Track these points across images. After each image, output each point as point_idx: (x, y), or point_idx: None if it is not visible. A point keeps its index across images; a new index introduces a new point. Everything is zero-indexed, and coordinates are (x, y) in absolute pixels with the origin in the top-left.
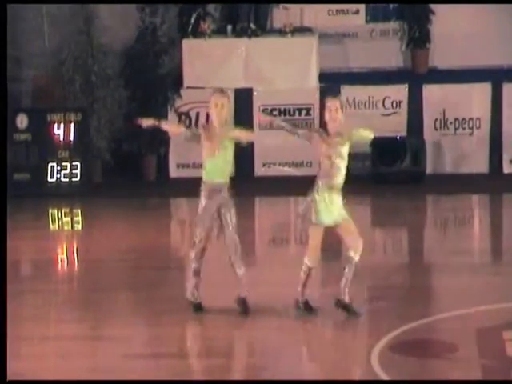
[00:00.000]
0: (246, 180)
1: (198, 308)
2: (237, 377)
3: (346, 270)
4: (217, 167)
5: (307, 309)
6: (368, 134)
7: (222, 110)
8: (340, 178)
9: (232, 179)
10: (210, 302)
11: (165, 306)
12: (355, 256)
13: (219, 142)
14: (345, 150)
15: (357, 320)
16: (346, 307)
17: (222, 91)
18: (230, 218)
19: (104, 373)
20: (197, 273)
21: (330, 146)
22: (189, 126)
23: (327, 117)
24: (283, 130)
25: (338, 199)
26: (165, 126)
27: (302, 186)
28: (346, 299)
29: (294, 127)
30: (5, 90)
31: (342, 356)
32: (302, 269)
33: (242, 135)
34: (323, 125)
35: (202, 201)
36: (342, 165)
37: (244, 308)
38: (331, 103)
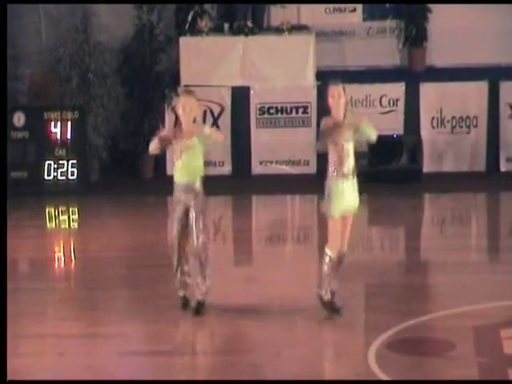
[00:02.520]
0: (242, 178)
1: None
2: (234, 375)
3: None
4: (185, 167)
5: (333, 308)
6: (372, 134)
7: (190, 112)
8: (351, 164)
9: (229, 177)
10: (208, 300)
11: (162, 304)
12: (344, 250)
13: (188, 142)
14: (350, 135)
15: (354, 318)
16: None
17: (189, 92)
18: (196, 222)
19: (101, 370)
20: (186, 273)
21: (337, 133)
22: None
23: (331, 103)
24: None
25: (352, 186)
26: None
27: (299, 184)
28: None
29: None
30: (4, 88)
31: (338, 354)
32: (323, 263)
33: (212, 134)
34: (329, 110)
35: (174, 205)
36: (350, 150)
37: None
38: (333, 90)
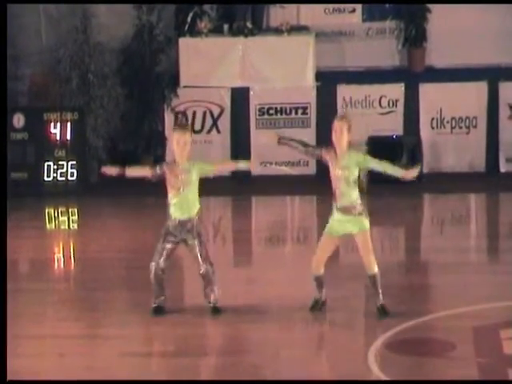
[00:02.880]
0: (242, 179)
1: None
2: (235, 376)
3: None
4: (183, 204)
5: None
6: (395, 172)
7: (184, 147)
8: (345, 201)
9: (229, 178)
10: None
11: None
12: (369, 271)
13: (184, 179)
14: (351, 172)
15: (354, 318)
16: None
17: (183, 127)
18: (199, 250)
19: (101, 371)
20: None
21: (335, 167)
22: (152, 167)
23: (333, 138)
24: (297, 151)
25: (351, 219)
26: (130, 173)
27: (299, 185)
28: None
29: (307, 147)
30: (4, 89)
31: (339, 355)
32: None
33: (210, 168)
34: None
35: (164, 233)
36: (346, 188)
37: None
38: (336, 124)
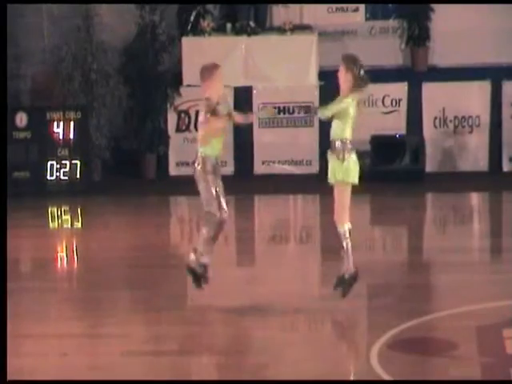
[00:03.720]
0: (245, 178)
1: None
2: (237, 375)
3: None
4: (220, 145)
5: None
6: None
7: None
8: (332, 134)
9: (231, 177)
10: (210, 300)
11: (164, 304)
12: (339, 228)
13: (224, 121)
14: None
15: (357, 318)
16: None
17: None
18: (222, 191)
19: (103, 370)
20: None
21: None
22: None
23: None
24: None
25: (333, 159)
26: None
27: (302, 184)
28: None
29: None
30: (4, 88)
31: (341, 354)
32: (344, 239)
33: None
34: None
35: (207, 177)
36: (337, 122)
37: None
38: (340, 67)
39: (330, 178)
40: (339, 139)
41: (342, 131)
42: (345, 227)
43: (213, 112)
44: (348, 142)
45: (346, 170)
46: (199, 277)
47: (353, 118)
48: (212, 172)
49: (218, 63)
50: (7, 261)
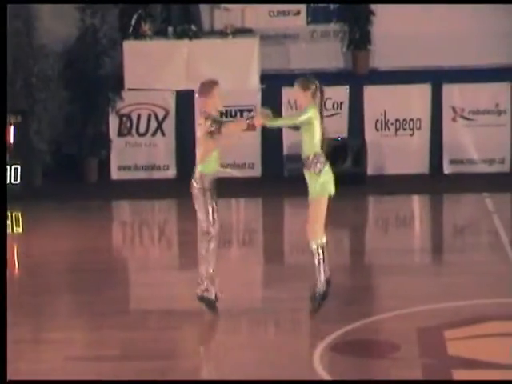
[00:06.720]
0: (187, 181)
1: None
2: (177, 378)
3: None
4: (217, 161)
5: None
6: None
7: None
8: (304, 150)
9: (174, 181)
10: (152, 304)
11: (107, 308)
12: (311, 244)
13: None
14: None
15: (300, 320)
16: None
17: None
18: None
19: (46, 376)
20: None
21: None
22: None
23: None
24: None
25: (308, 174)
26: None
27: (244, 187)
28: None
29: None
30: (4, 89)
31: (284, 357)
32: (316, 256)
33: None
34: None
35: (206, 193)
36: (306, 139)
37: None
38: (296, 89)
39: (311, 193)
40: (312, 154)
41: (312, 146)
42: (318, 242)
43: (219, 127)
44: (320, 154)
45: (322, 184)
46: (212, 302)
47: (319, 129)
48: (209, 188)
49: (216, 80)
50: None
